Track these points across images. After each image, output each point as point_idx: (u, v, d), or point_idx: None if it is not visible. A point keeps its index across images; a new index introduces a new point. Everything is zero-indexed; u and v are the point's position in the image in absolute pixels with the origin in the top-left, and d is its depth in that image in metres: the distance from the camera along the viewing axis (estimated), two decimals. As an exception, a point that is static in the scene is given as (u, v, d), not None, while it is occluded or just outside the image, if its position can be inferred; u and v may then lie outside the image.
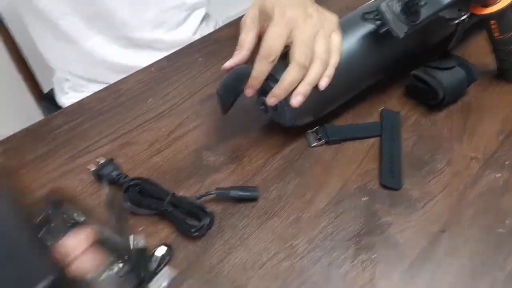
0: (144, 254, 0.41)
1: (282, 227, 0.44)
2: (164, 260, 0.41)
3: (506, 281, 0.39)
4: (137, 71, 0.66)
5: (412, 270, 0.40)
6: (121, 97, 0.61)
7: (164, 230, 0.44)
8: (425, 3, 0.48)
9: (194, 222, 0.44)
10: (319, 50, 0.47)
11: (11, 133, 0.56)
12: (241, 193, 0.47)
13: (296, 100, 0.47)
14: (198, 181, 0.49)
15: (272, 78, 0.48)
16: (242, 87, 0.48)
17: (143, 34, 0.74)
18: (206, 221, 0.44)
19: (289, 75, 0.46)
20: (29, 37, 0.80)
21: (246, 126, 0.55)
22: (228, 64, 0.48)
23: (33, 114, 1.11)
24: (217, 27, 0.84)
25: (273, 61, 0.46)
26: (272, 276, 0.40)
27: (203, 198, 0.46)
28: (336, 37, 0.49)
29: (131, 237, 0.41)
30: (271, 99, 0.47)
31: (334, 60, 0.48)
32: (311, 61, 0.47)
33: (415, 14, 0.48)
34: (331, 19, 0.50)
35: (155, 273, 0.40)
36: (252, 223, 0.45)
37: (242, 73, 0.48)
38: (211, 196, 0.46)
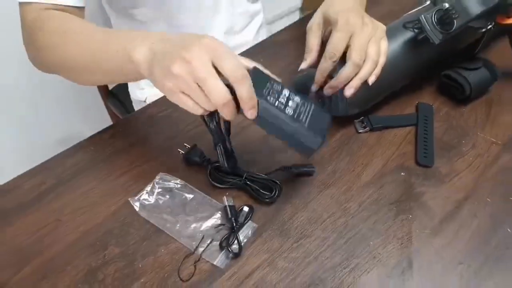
0: (235, 210, 0.54)
1: (337, 193, 0.57)
2: (249, 216, 0.54)
3: (515, 236, 0.51)
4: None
5: (440, 227, 0.52)
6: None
7: (246, 195, 0.58)
8: (458, 16, 0.59)
9: (267, 192, 0.57)
10: (371, 52, 0.58)
11: (83, 129, 0.68)
12: (301, 169, 0.59)
13: (349, 92, 0.59)
14: (268, 160, 0.62)
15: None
16: (309, 87, 0.60)
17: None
18: (276, 191, 0.56)
19: (345, 72, 0.58)
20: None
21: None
22: (303, 65, 0.61)
23: (102, 110, 1.27)
24: (270, 33, 0.97)
25: (335, 61, 0.58)
26: (331, 229, 0.53)
27: (272, 174, 0.59)
28: (384, 43, 0.60)
29: (224, 197, 0.55)
30: (328, 90, 0.60)
31: (382, 61, 0.60)
32: (364, 61, 0.58)
33: (449, 24, 0.59)
34: (382, 27, 0.62)
35: (242, 224, 0.53)
36: (313, 191, 0.58)
37: (308, 76, 0.61)
38: (277, 172, 0.59)
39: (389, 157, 0.61)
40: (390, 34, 0.65)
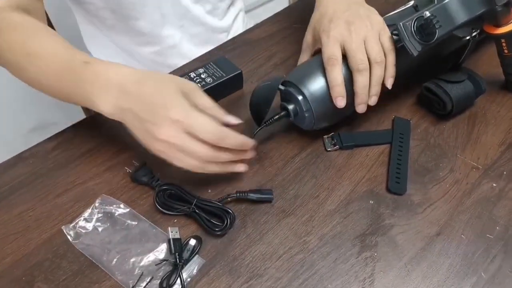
0: (179, 244, 0.48)
1: (297, 224, 0.51)
2: (195, 250, 0.49)
3: (489, 281, 0.45)
4: (176, 69, 0.72)
5: (407, 268, 0.47)
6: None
7: (195, 223, 0.52)
8: (440, 25, 0.53)
9: (217, 221, 0.50)
10: (372, 53, 0.53)
11: (56, 118, 0.62)
12: (257, 195, 0.53)
13: (372, 101, 0.55)
14: (225, 181, 0.56)
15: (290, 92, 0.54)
16: (271, 100, 0.54)
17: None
18: (227, 221, 0.50)
19: (358, 83, 0.54)
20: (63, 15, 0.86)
21: (268, 130, 0.60)
22: None
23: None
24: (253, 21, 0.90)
25: (336, 64, 0.53)
26: (286, 268, 0.47)
27: (225, 200, 0.53)
28: (385, 36, 0.55)
29: (169, 229, 0.49)
30: (360, 106, 0.55)
31: (390, 59, 0.55)
32: (369, 63, 0.53)
33: (430, 34, 0.52)
34: (377, 20, 0.56)
35: (188, 260, 0.48)
36: (271, 220, 0.52)
37: (270, 87, 0.54)
38: (232, 198, 0.53)
39: (358, 181, 0.55)
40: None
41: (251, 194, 0.52)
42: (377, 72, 0.54)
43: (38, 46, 0.55)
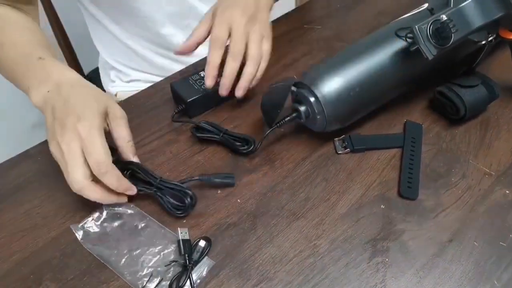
0: (189, 245, 0.48)
1: (308, 227, 0.51)
2: (205, 252, 0.48)
3: (502, 290, 0.45)
4: (178, 71, 0.71)
5: (419, 274, 0.46)
6: (168, 94, 0.67)
7: (206, 224, 0.51)
8: (456, 29, 0.52)
9: (178, 202, 0.51)
10: (252, 50, 0.57)
11: None
12: (220, 180, 0.54)
13: (239, 93, 0.59)
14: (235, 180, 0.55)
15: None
16: (283, 101, 0.53)
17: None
18: (188, 202, 0.50)
19: (227, 67, 0.57)
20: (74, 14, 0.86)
21: (278, 131, 0.60)
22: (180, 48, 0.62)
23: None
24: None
25: (221, 47, 0.57)
26: (297, 271, 0.47)
27: (188, 182, 0.52)
28: (266, 44, 0.59)
29: (178, 229, 0.48)
30: (223, 90, 0.59)
31: (263, 66, 0.60)
32: (244, 55, 0.57)
33: (446, 38, 0.52)
34: (264, 26, 0.60)
35: (197, 261, 0.47)
36: (281, 222, 0.51)
37: (282, 89, 0.53)
38: (194, 181, 0.53)
39: (370, 185, 0.54)
40: (380, 41, 0.58)
41: (214, 179, 0.53)
42: (250, 69, 0.58)
43: (5, 37, 0.59)
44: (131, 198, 0.52)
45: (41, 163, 0.58)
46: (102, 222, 0.50)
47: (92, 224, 0.50)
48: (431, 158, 0.57)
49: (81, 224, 0.50)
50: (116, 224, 0.50)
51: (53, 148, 0.49)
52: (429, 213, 0.51)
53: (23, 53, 0.57)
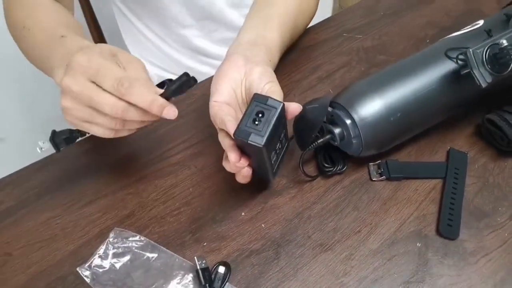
0: (208, 274, 0.45)
1: (335, 261, 0.47)
2: (226, 278, 0.45)
3: None
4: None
5: (456, 327, 0.42)
6: (195, 103, 0.64)
7: (227, 248, 0.49)
8: (516, 55, 0.47)
9: None
10: None
11: None
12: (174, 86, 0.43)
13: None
14: (260, 202, 0.53)
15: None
16: (318, 125, 0.50)
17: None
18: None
19: None
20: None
21: (311, 151, 0.56)
22: None
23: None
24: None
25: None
26: (321, 311, 0.44)
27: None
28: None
29: (195, 259, 0.46)
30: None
31: None
32: None
33: (504, 65, 0.47)
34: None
35: (218, 290, 0.45)
36: (307, 253, 0.48)
37: (317, 111, 0.50)
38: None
39: (405, 218, 0.50)
40: (428, 60, 0.53)
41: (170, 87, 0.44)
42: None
43: (33, 20, 0.57)
44: (154, 213, 0.50)
45: (64, 169, 0.57)
46: (110, 258, 0.47)
47: (99, 262, 0.47)
48: (476, 193, 0.52)
49: (87, 264, 0.47)
50: (125, 259, 0.47)
51: (64, 102, 0.43)
52: (470, 257, 0.47)
53: (48, 35, 0.54)
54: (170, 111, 0.42)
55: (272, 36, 0.57)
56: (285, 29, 0.61)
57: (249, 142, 0.42)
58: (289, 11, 0.63)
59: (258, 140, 0.42)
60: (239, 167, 0.45)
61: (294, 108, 0.46)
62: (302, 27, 0.69)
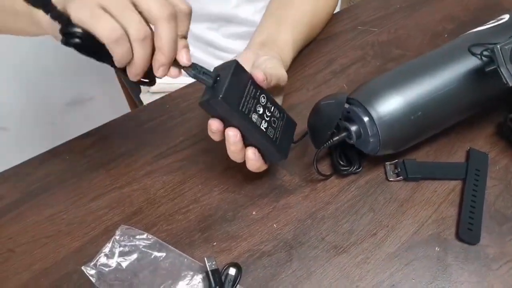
0: (218, 275, 0.43)
1: (349, 265, 0.45)
2: (236, 280, 0.44)
3: None
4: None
5: (477, 337, 0.40)
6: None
7: (237, 249, 0.47)
8: (545, 52, 0.44)
9: None
10: None
11: (92, 92, 0.58)
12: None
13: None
14: (272, 201, 0.51)
15: None
16: (334, 122, 0.47)
17: None
18: None
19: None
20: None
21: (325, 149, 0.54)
22: None
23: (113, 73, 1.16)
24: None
25: None
26: (335, 317, 0.42)
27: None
28: None
29: (205, 260, 0.44)
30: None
31: None
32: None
33: (532, 62, 0.44)
34: None
35: (229, 292, 0.43)
36: (320, 256, 0.46)
37: (333, 107, 0.48)
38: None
39: (424, 221, 0.48)
40: (450, 56, 0.51)
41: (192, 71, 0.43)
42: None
43: None
44: (162, 211, 0.49)
45: (69, 163, 0.55)
46: (116, 257, 0.45)
47: (105, 260, 0.45)
48: (497, 195, 0.50)
49: (93, 263, 0.45)
50: (132, 257, 0.45)
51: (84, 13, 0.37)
52: (491, 263, 0.45)
53: None
54: (185, 56, 0.41)
55: (285, 37, 0.58)
56: (299, 30, 0.61)
57: (210, 102, 0.42)
58: (305, 11, 0.62)
59: (217, 94, 0.42)
60: (214, 130, 0.45)
61: (256, 74, 0.45)
62: (320, 26, 0.68)
